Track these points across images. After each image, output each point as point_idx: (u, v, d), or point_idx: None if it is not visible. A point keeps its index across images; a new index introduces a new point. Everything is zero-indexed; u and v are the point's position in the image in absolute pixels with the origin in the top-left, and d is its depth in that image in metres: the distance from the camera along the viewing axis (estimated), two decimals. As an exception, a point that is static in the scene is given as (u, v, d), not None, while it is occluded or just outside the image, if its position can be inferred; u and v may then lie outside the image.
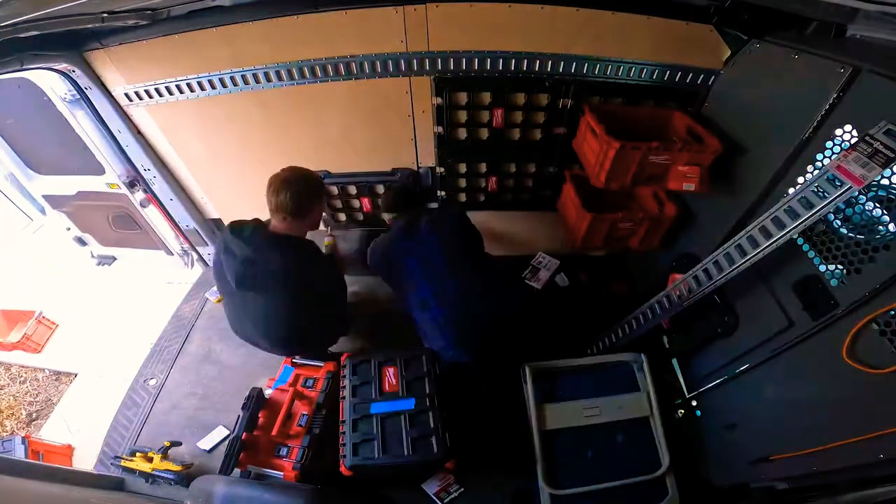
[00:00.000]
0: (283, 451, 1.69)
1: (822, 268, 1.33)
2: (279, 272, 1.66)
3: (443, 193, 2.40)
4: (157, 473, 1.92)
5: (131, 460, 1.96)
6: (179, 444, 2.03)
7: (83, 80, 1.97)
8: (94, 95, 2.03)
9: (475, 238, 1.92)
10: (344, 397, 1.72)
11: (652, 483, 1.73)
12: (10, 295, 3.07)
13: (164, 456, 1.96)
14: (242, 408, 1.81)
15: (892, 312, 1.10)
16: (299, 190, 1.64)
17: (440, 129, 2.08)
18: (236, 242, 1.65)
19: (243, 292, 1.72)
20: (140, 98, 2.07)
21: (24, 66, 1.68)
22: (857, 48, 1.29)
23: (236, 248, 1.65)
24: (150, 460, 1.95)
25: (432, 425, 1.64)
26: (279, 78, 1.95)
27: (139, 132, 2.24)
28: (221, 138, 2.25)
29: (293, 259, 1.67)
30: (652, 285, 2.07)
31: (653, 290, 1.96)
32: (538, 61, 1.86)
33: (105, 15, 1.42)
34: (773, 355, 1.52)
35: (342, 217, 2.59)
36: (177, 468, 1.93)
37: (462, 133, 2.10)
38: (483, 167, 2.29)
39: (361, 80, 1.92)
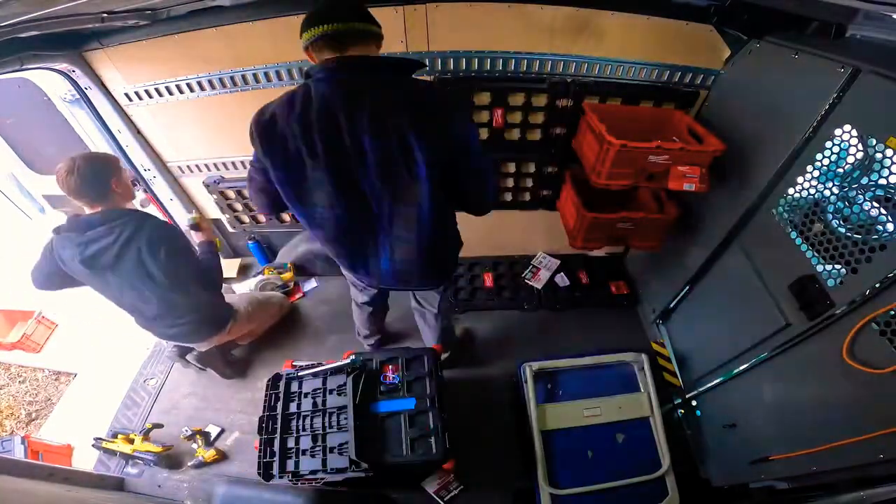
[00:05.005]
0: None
1: (820, 268, 1.32)
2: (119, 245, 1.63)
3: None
4: (137, 455, 1.95)
5: (112, 441, 1.98)
6: (161, 426, 2.07)
7: (83, 80, 1.96)
8: (94, 95, 2.03)
9: None
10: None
11: (652, 483, 1.73)
12: (10, 295, 3.07)
13: (146, 438, 1.99)
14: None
15: (892, 312, 1.10)
16: (87, 180, 1.58)
17: (440, 129, 2.07)
18: (65, 239, 1.63)
19: (103, 276, 1.69)
20: (140, 98, 2.07)
21: (24, 66, 1.68)
22: (857, 48, 1.30)
23: (71, 241, 1.63)
24: (132, 442, 1.97)
25: (432, 426, 1.64)
26: (279, 78, 1.95)
27: (139, 132, 2.24)
28: (221, 138, 2.25)
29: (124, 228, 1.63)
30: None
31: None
32: (538, 61, 1.86)
33: (105, 15, 1.42)
34: (772, 355, 1.52)
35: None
36: (157, 449, 1.96)
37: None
38: (483, 167, 2.29)
39: (361, 80, 1.92)
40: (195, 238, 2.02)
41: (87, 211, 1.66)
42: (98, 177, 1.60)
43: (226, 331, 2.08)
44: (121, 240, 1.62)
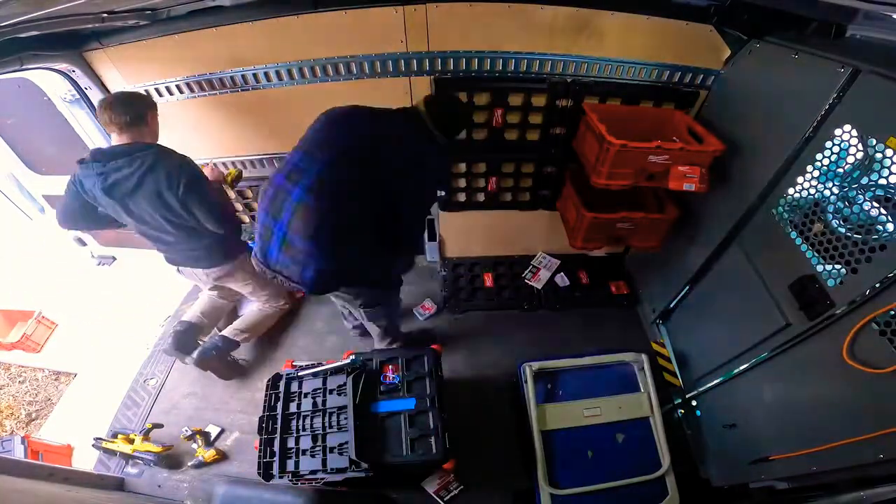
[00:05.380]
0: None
1: (820, 268, 1.33)
2: (138, 176, 1.65)
3: (442, 193, 2.40)
4: (137, 455, 1.95)
5: (113, 441, 1.98)
6: (161, 426, 2.07)
7: (83, 80, 1.96)
8: (94, 95, 2.03)
9: None
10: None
11: (652, 483, 1.73)
12: (10, 295, 3.07)
13: (146, 438, 1.99)
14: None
15: (892, 312, 1.10)
16: (125, 101, 1.66)
17: (440, 129, 2.08)
18: (88, 169, 1.66)
19: (121, 207, 1.73)
20: (140, 98, 2.07)
21: (24, 66, 1.68)
22: (857, 48, 1.30)
23: (93, 170, 1.66)
24: (132, 442, 1.97)
25: (432, 426, 1.64)
26: (279, 78, 1.95)
27: (139, 132, 2.24)
28: (221, 138, 2.25)
29: (145, 161, 1.66)
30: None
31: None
32: (538, 61, 1.86)
33: (105, 15, 1.42)
34: (772, 355, 1.52)
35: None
36: (157, 449, 1.97)
37: (462, 133, 2.10)
38: (482, 167, 2.29)
39: (361, 80, 1.92)
40: None
41: (115, 140, 1.69)
42: (134, 102, 1.67)
43: (235, 264, 2.10)
44: (140, 170, 1.65)
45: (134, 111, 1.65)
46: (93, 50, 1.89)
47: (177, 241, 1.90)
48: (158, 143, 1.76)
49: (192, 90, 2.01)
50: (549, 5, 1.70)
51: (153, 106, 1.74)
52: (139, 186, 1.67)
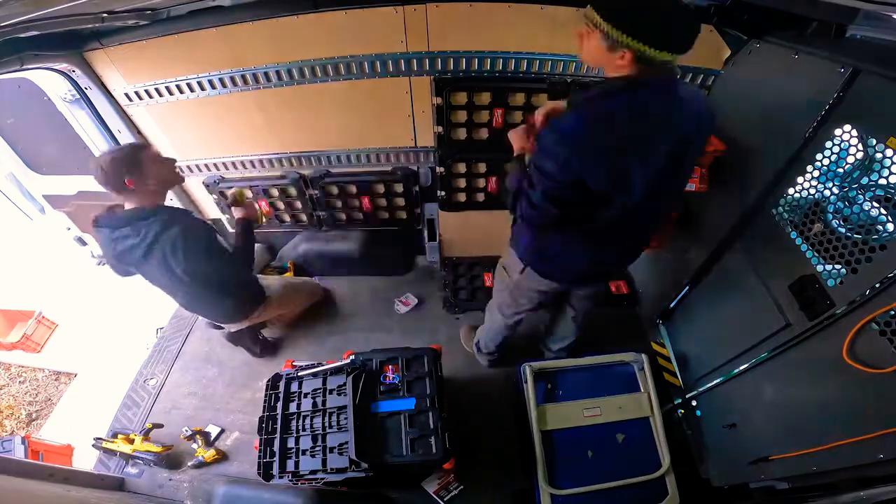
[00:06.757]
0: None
1: (820, 268, 1.32)
2: (143, 248, 1.67)
3: (443, 193, 2.40)
4: (137, 455, 1.96)
5: (112, 441, 1.99)
6: (161, 426, 2.08)
7: (83, 80, 1.97)
8: (94, 95, 2.03)
9: None
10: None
11: (652, 483, 1.73)
12: (10, 295, 3.08)
13: (146, 438, 2.00)
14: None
15: (892, 312, 1.10)
16: (104, 169, 1.57)
17: (440, 129, 2.08)
18: (100, 232, 1.71)
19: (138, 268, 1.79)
20: (140, 98, 2.07)
21: (24, 66, 1.68)
22: (857, 48, 1.29)
23: (105, 236, 1.70)
24: (132, 442, 1.98)
25: (432, 426, 1.64)
26: (279, 78, 1.95)
27: (139, 132, 2.24)
28: (222, 138, 2.25)
29: (150, 231, 1.65)
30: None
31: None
32: (538, 61, 1.86)
33: (105, 15, 1.42)
34: (772, 355, 1.52)
35: (342, 217, 2.59)
36: (157, 449, 1.97)
37: (462, 133, 2.10)
38: (483, 167, 2.29)
39: (361, 80, 1.92)
40: (234, 214, 2.01)
41: (125, 205, 1.69)
42: (112, 168, 1.58)
43: (256, 314, 2.13)
44: (146, 241, 1.65)
45: (114, 180, 1.58)
46: (93, 50, 1.89)
47: (190, 302, 1.97)
48: (165, 204, 1.76)
49: (192, 90, 2.01)
50: (549, 5, 1.69)
51: (133, 164, 1.59)
52: (146, 257, 1.69)
